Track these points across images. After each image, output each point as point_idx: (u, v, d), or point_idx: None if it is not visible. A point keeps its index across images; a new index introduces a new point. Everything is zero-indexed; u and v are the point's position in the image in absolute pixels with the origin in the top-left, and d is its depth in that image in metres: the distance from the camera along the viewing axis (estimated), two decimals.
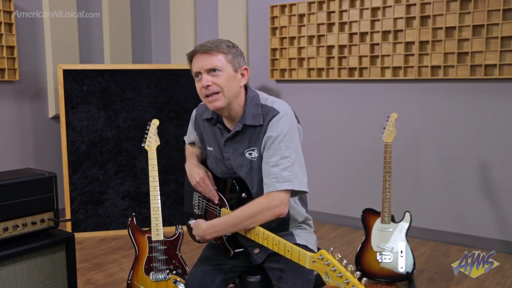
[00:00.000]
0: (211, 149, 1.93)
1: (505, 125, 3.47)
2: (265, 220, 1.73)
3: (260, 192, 1.81)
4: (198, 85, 1.80)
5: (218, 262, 1.88)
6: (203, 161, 2.09)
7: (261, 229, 1.72)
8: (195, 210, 2.08)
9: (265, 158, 1.76)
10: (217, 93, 1.75)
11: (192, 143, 2.15)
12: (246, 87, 1.86)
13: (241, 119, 1.81)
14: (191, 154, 2.11)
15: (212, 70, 1.75)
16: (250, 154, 1.82)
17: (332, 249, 1.49)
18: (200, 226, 1.83)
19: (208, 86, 1.75)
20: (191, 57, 1.80)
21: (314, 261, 1.51)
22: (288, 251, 1.60)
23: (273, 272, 1.81)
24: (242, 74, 1.81)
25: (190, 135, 2.12)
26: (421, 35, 3.65)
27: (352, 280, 1.42)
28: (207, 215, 2.00)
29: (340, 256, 1.47)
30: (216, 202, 1.93)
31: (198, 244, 3.63)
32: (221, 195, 1.93)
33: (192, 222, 1.96)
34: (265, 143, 1.77)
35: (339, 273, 1.44)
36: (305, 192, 1.79)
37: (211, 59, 1.74)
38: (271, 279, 1.81)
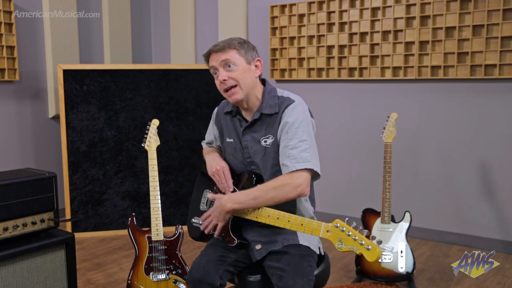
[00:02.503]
0: (231, 140, 2.02)
1: (505, 125, 3.47)
2: (286, 197, 1.79)
3: (272, 178, 1.88)
4: (217, 82, 1.90)
5: (222, 254, 1.92)
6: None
7: (272, 210, 1.77)
8: (201, 206, 2.09)
9: (283, 142, 1.85)
10: (235, 86, 1.87)
11: (210, 144, 2.22)
12: (264, 81, 1.98)
13: (258, 109, 1.92)
14: (211, 150, 2.17)
15: (227, 65, 1.86)
16: (265, 141, 1.91)
17: (347, 219, 1.57)
18: (222, 197, 1.88)
19: (224, 80, 1.86)
20: (207, 57, 1.92)
21: (328, 230, 1.58)
22: (302, 224, 1.67)
23: (273, 271, 1.82)
24: (256, 66, 1.92)
25: (210, 133, 2.19)
26: (421, 35, 3.65)
27: (367, 241, 1.49)
28: None
29: (355, 224, 1.55)
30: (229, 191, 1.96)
31: (198, 244, 3.64)
32: (235, 189, 1.95)
33: (196, 220, 2.03)
34: (282, 128, 1.86)
35: (354, 236, 1.51)
36: (318, 176, 1.87)
37: (225, 55, 1.85)
38: (271, 278, 1.82)
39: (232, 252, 1.93)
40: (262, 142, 1.91)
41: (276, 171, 1.90)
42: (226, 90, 1.88)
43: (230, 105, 2.02)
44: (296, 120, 1.84)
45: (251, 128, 1.94)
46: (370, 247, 1.48)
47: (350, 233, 1.52)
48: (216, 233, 1.91)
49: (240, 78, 1.86)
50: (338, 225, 1.55)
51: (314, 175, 1.87)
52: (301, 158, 1.80)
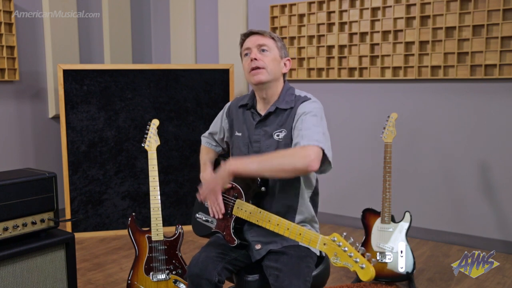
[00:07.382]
0: (240, 134, 2.04)
1: (505, 125, 3.47)
2: (293, 167, 1.73)
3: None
4: (246, 61, 1.96)
5: (221, 251, 1.93)
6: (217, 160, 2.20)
7: (274, 215, 1.77)
8: (206, 203, 2.10)
9: (297, 126, 1.85)
10: (262, 68, 1.92)
11: (212, 134, 2.22)
12: (284, 80, 2.03)
13: (275, 103, 1.97)
14: (206, 161, 2.19)
15: (261, 49, 1.93)
16: (278, 135, 1.94)
17: (345, 234, 1.56)
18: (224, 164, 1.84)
19: (255, 59, 1.91)
20: (244, 38, 1.99)
21: (325, 243, 1.57)
22: (300, 234, 1.67)
23: (271, 271, 1.83)
24: (285, 64, 2.00)
25: (216, 125, 2.21)
26: (421, 35, 3.65)
27: (362, 259, 1.48)
28: None
29: (352, 240, 1.54)
30: (220, 216, 1.94)
31: (199, 244, 3.64)
32: (238, 186, 1.95)
33: (200, 215, 2.08)
34: (297, 119, 1.88)
35: (350, 253, 1.50)
36: (330, 166, 1.83)
37: (263, 40, 1.95)
38: (268, 278, 1.84)
39: (232, 251, 1.94)
40: (275, 136, 1.93)
41: None
42: (253, 69, 1.91)
43: (245, 99, 2.07)
44: (312, 110, 1.87)
45: (264, 122, 1.97)
46: (364, 265, 1.47)
47: (346, 249, 1.51)
48: (206, 195, 1.85)
49: (270, 64, 1.92)
50: (335, 239, 1.54)
51: (327, 166, 1.83)
52: (313, 139, 1.76)
